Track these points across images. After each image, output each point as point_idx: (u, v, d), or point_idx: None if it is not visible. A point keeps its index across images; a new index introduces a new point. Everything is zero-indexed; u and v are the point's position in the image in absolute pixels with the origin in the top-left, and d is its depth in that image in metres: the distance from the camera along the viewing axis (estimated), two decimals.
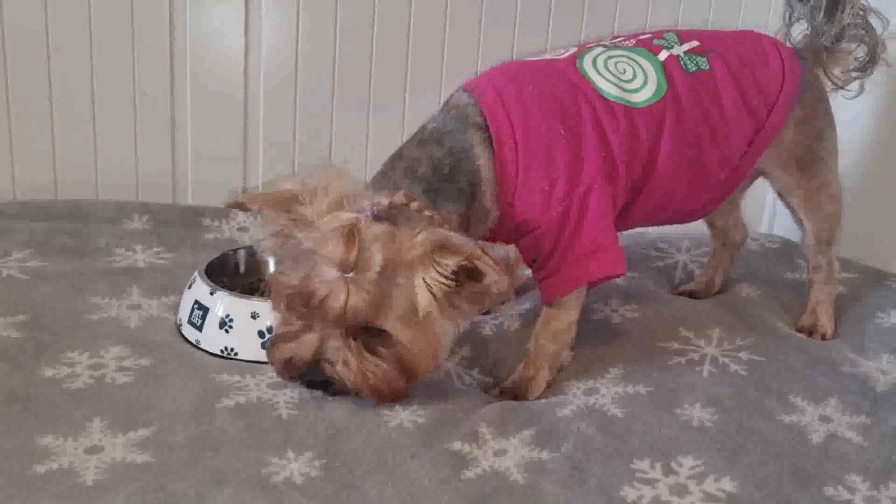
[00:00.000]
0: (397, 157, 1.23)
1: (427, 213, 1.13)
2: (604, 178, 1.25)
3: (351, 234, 1.07)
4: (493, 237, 1.30)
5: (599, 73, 1.30)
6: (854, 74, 1.47)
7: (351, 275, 1.08)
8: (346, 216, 1.09)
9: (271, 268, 1.51)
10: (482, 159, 1.22)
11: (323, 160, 1.91)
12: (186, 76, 1.83)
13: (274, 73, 1.86)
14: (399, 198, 1.13)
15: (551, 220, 1.24)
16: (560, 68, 1.30)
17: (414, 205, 1.13)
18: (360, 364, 1.12)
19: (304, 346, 1.14)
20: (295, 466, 1.05)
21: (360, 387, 1.14)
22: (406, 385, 1.16)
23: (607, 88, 1.28)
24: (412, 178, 1.19)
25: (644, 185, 1.32)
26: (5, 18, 1.72)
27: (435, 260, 1.09)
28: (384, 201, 1.12)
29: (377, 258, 1.08)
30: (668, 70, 1.33)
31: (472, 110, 1.24)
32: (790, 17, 1.48)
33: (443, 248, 1.09)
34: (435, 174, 1.20)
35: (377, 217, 1.11)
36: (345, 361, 1.12)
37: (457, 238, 1.10)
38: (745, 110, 1.36)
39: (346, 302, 1.08)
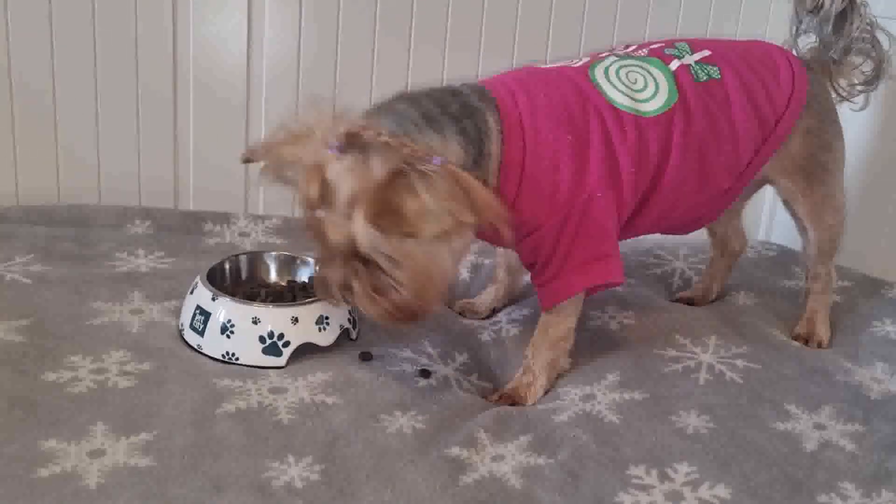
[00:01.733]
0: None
1: (383, 138, 1.07)
2: (607, 187, 1.26)
3: (315, 171, 1.09)
4: (495, 239, 1.30)
5: (611, 83, 1.30)
6: (860, 88, 1.48)
7: (319, 211, 1.10)
8: (312, 155, 1.10)
9: (273, 274, 1.52)
10: (493, 133, 1.21)
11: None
12: (189, 82, 1.84)
13: (276, 80, 1.87)
14: (353, 127, 1.09)
15: (553, 223, 1.25)
16: (571, 77, 1.30)
17: (367, 134, 1.08)
18: (365, 289, 1.14)
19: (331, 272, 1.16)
20: (295, 472, 1.06)
21: (370, 312, 1.15)
22: (420, 306, 1.15)
23: (618, 98, 1.28)
24: (409, 103, 1.17)
25: (651, 194, 1.32)
26: (8, 25, 1.73)
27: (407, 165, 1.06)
28: (342, 131, 1.09)
29: (344, 189, 1.08)
30: (679, 79, 1.33)
31: (487, 93, 1.24)
32: (797, 30, 1.48)
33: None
34: (437, 106, 1.17)
35: (342, 149, 1.09)
36: (349, 287, 1.15)
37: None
38: (755, 119, 1.36)
39: (328, 235, 1.11)
